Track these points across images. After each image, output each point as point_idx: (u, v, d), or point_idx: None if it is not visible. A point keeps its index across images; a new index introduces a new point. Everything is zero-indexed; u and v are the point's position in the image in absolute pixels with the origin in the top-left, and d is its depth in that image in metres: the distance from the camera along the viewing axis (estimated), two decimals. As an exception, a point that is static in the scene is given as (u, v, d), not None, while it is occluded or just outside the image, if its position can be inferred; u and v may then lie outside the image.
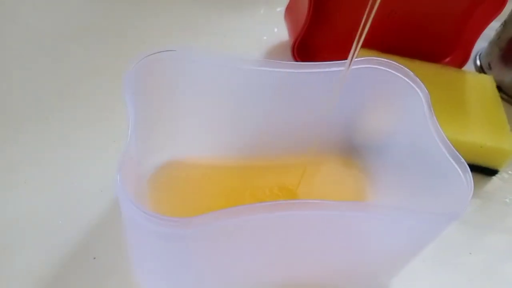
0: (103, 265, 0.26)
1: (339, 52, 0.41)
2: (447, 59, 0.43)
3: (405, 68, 0.28)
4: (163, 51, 0.25)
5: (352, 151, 0.33)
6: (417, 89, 0.28)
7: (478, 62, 0.46)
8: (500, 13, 0.38)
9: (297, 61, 0.41)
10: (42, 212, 0.28)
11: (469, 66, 0.44)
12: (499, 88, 0.39)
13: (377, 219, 0.22)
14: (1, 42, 0.40)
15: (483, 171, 0.36)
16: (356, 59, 0.28)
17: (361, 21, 0.39)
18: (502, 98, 0.41)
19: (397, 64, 0.28)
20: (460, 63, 0.43)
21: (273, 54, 0.43)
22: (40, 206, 0.28)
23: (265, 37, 0.44)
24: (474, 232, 0.33)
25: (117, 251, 0.26)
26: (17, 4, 0.45)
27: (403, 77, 0.28)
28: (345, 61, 0.28)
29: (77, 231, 0.27)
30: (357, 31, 0.40)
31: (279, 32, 0.44)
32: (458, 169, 0.24)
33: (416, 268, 0.29)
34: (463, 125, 0.35)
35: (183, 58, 0.26)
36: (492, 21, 0.39)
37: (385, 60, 0.28)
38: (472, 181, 0.23)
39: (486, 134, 0.34)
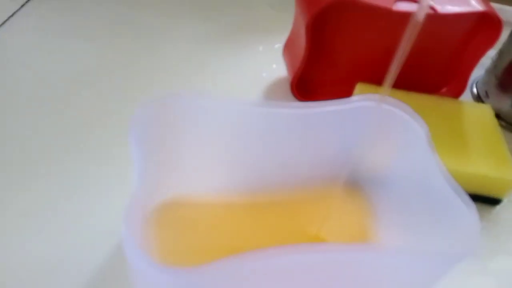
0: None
1: (338, 87, 0.42)
2: (444, 90, 0.44)
3: (404, 104, 0.28)
4: (168, 97, 0.25)
5: (355, 185, 0.33)
6: (416, 123, 0.28)
7: (475, 91, 0.47)
8: (495, 43, 0.39)
9: (296, 96, 0.42)
10: (49, 257, 0.28)
11: (466, 95, 0.45)
12: (498, 116, 0.40)
13: (383, 261, 0.22)
14: (6, 86, 0.41)
15: (486, 200, 0.36)
16: (355, 97, 0.29)
17: (358, 56, 0.41)
18: (501, 126, 0.42)
19: (395, 100, 0.28)
20: (457, 93, 0.43)
21: (272, 90, 0.44)
22: (47, 252, 0.29)
23: (264, 74, 0.45)
24: (478, 262, 0.33)
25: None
26: (25, 48, 0.46)
27: (401, 112, 0.28)
28: (345, 99, 0.29)
29: (84, 277, 0.27)
30: (353, 66, 0.41)
31: (278, 68, 0.45)
32: (463, 204, 0.24)
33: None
34: (463, 156, 0.35)
35: (187, 102, 0.26)
36: (487, 52, 0.40)
37: (383, 96, 0.29)
38: (478, 217, 0.23)
39: (487, 165, 0.34)
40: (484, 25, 0.39)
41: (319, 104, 0.28)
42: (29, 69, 0.43)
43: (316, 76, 0.41)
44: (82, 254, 0.29)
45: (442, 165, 0.26)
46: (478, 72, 0.46)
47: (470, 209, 0.24)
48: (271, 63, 0.46)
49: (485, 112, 0.39)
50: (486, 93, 0.45)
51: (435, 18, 0.38)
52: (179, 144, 0.28)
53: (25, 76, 0.42)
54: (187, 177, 0.30)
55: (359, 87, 0.39)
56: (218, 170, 0.31)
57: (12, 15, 0.50)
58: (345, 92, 0.38)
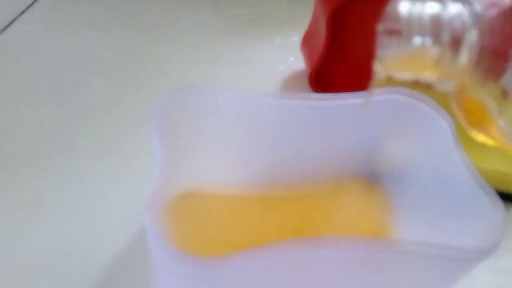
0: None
1: (357, 80, 0.41)
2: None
3: (428, 97, 0.28)
4: (187, 87, 0.25)
5: (374, 181, 0.33)
6: (440, 118, 0.27)
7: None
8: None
9: (314, 89, 0.41)
10: (65, 246, 0.28)
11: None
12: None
13: (401, 257, 0.21)
14: (22, 76, 0.41)
15: (508, 198, 0.35)
16: (377, 90, 0.28)
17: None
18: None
19: (418, 93, 0.28)
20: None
21: (289, 83, 0.43)
22: (62, 240, 0.28)
23: (281, 67, 0.45)
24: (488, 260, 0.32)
25: (142, 286, 0.26)
26: (38, 37, 0.46)
27: (425, 106, 0.28)
28: (367, 92, 0.28)
29: (100, 265, 0.27)
30: (373, 58, 0.40)
31: (295, 61, 0.44)
32: (489, 201, 0.23)
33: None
34: (486, 151, 0.34)
35: (206, 93, 0.26)
36: None
37: (406, 89, 0.28)
38: (504, 213, 0.22)
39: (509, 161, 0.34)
40: None
41: (338, 96, 0.28)
42: (43, 59, 0.43)
43: (335, 69, 0.41)
44: (99, 243, 0.28)
45: (467, 160, 0.25)
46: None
47: (496, 206, 0.23)
48: (289, 56, 0.46)
49: (509, 107, 0.38)
50: None
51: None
52: (197, 135, 0.28)
53: (38, 66, 0.42)
54: (203, 168, 0.30)
55: (380, 81, 0.38)
56: (235, 162, 0.30)
57: (28, 7, 0.50)
58: (364, 85, 0.37)
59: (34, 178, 0.32)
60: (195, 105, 0.26)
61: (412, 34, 0.23)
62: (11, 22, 0.47)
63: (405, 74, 0.24)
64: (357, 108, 0.27)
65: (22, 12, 0.49)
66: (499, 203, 0.23)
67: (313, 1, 0.41)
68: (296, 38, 0.45)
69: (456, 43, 0.22)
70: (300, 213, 0.32)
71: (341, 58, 0.40)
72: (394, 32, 0.23)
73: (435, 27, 0.22)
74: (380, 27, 0.23)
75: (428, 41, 0.22)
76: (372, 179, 0.33)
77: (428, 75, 0.24)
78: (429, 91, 0.29)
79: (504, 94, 0.23)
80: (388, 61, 0.24)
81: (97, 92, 0.40)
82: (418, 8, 0.23)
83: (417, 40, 0.22)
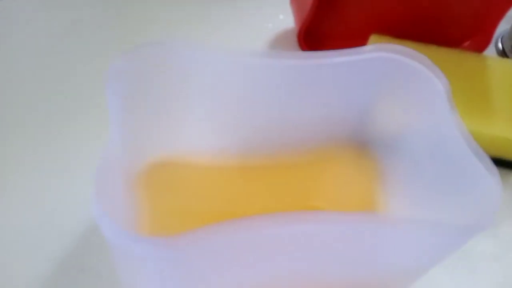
0: (91, 277, 0.24)
1: (348, 39, 0.38)
2: (467, 43, 0.40)
3: (422, 55, 0.25)
4: (150, 45, 0.22)
5: (364, 148, 0.30)
6: (435, 78, 0.25)
7: (500, 45, 0.43)
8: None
9: (304, 49, 0.38)
10: (25, 220, 0.26)
11: (490, 50, 0.41)
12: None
13: (392, 232, 0.19)
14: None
15: (508, 165, 0.33)
16: (367, 47, 0.26)
17: (373, 5, 0.37)
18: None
19: (412, 51, 0.25)
20: (481, 47, 0.40)
21: (278, 43, 0.40)
22: (23, 214, 0.27)
23: (270, 25, 0.42)
24: (500, 233, 0.30)
25: (106, 262, 0.24)
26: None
27: (419, 65, 0.25)
28: (356, 49, 0.25)
29: (63, 241, 0.25)
30: (367, 16, 0.37)
31: (285, 19, 0.41)
32: (484, 169, 0.21)
33: (434, 275, 0.26)
34: (486, 116, 0.32)
35: (173, 51, 0.23)
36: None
37: (399, 46, 0.25)
38: (500, 184, 0.20)
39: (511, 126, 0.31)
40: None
41: (326, 54, 0.25)
42: (10, 20, 0.40)
43: (326, 27, 0.38)
44: (61, 217, 0.27)
45: (463, 125, 0.23)
46: (504, 26, 0.42)
47: (492, 175, 0.21)
48: (278, 14, 0.43)
49: (510, 68, 0.36)
50: (512, 48, 0.41)
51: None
52: (166, 99, 0.25)
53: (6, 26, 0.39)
54: (175, 136, 0.28)
55: (373, 38, 0.35)
56: (209, 129, 0.28)
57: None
58: (355, 44, 0.34)
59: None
60: (162, 64, 0.24)
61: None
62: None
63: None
64: (346, 68, 0.25)
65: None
66: (495, 170, 0.21)
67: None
68: (286, -5, 0.42)
69: None
70: (284, 183, 0.30)
71: (332, 14, 0.37)
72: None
73: None
74: None
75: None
76: (361, 146, 0.30)
77: None
78: (425, 50, 0.27)
79: None
80: None
81: (69, 53, 0.37)
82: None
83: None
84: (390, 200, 0.29)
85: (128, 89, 0.22)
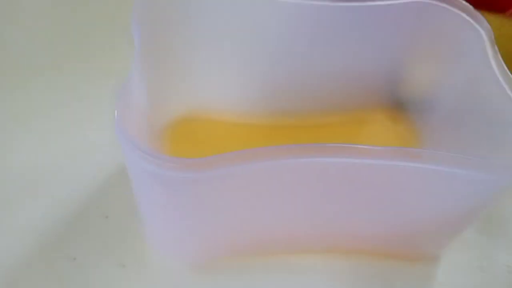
0: (115, 225, 0.24)
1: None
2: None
3: (463, 2, 0.24)
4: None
5: (398, 107, 0.29)
6: (477, 26, 0.23)
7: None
8: None
9: None
10: (49, 165, 0.26)
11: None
12: None
13: (430, 169, 0.18)
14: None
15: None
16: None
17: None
18: None
19: (454, -3, 0.24)
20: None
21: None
22: (47, 158, 0.26)
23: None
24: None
25: (131, 211, 0.24)
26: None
27: (460, 12, 0.24)
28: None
29: (87, 187, 0.25)
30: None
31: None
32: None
33: (470, 240, 0.25)
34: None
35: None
36: None
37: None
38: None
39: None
40: None
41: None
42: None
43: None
44: (86, 163, 0.26)
45: (508, 72, 0.21)
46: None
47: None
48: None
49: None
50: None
51: None
52: (191, 40, 0.24)
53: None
54: (204, 90, 0.27)
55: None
56: (240, 84, 0.27)
57: None
58: None
59: (17, 93, 0.30)
60: (191, 5, 0.23)
61: None
62: None
63: None
64: (380, 12, 0.23)
65: None
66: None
67: None
68: None
69: None
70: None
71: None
72: None
73: None
74: None
75: None
76: (395, 106, 0.29)
77: None
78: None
79: None
80: None
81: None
82: None
83: None
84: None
85: (153, 30, 0.22)
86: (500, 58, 0.22)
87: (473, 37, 0.23)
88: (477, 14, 0.23)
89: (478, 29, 0.23)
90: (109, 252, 0.23)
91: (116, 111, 0.16)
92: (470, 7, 0.23)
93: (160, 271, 0.23)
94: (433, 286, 0.24)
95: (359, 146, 0.17)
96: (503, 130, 0.22)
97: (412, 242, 0.24)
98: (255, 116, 0.28)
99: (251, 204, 0.19)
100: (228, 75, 0.27)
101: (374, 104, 0.29)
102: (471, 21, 0.23)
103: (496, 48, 0.23)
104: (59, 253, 0.23)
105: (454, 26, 0.24)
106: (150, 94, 0.23)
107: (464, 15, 0.23)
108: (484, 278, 0.24)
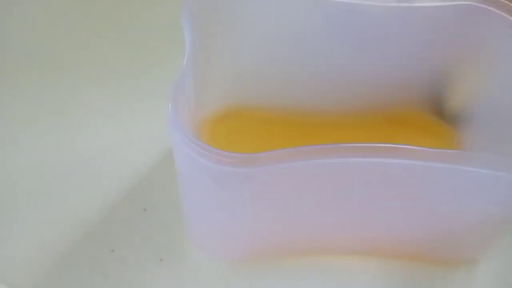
0: (154, 218, 0.24)
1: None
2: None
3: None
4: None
5: (439, 113, 0.28)
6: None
7: None
8: None
9: None
10: (90, 158, 0.27)
11: None
12: None
13: (470, 171, 0.18)
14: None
15: None
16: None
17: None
18: None
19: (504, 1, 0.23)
20: None
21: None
22: (89, 152, 0.27)
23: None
24: None
25: (170, 205, 0.24)
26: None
27: (508, 16, 0.23)
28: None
29: (127, 180, 0.25)
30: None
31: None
32: None
33: (510, 245, 0.25)
34: None
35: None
36: None
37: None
38: None
39: None
40: None
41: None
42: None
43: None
44: (127, 157, 0.27)
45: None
46: None
47: None
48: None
49: None
50: None
51: None
52: (236, 37, 0.24)
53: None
54: (242, 84, 0.27)
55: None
56: (279, 78, 0.27)
57: None
58: None
59: (63, 88, 0.30)
60: (236, 6, 0.23)
61: None
62: None
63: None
64: (428, 14, 0.23)
65: None
66: None
67: None
68: None
69: None
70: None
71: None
72: None
73: None
74: None
75: None
76: (436, 111, 0.29)
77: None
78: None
79: None
80: None
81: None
82: None
83: None
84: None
85: (201, 26, 0.22)
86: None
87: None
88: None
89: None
90: (148, 245, 0.23)
91: (170, 105, 0.16)
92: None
93: (198, 267, 0.23)
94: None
95: (403, 146, 0.17)
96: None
97: (451, 246, 0.23)
98: (292, 114, 0.28)
99: (295, 202, 0.19)
100: (267, 73, 0.27)
101: (415, 108, 0.29)
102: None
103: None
104: (98, 245, 0.23)
105: (503, 32, 0.23)
106: (195, 90, 0.23)
107: (512, 20, 0.23)
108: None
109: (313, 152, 0.16)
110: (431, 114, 0.29)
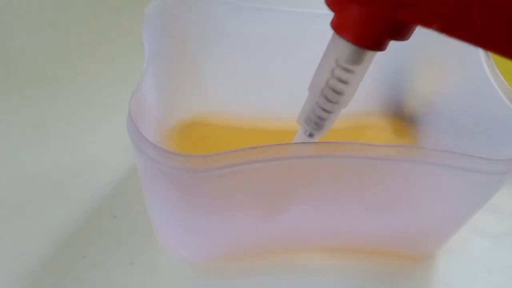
0: (123, 224, 0.25)
1: None
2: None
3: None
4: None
5: (400, 113, 0.30)
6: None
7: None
8: None
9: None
10: (62, 169, 0.27)
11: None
12: None
13: (430, 166, 0.19)
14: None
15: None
16: None
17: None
18: None
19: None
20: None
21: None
22: (60, 163, 0.28)
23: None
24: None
25: (139, 211, 0.25)
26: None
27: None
28: None
29: (97, 189, 0.26)
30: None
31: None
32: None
33: (466, 239, 0.26)
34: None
35: (206, 5, 0.24)
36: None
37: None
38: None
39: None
40: None
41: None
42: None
43: None
44: (97, 166, 0.27)
45: (503, 81, 0.22)
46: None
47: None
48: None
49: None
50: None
51: None
52: (198, 46, 0.25)
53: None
54: (207, 92, 0.28)
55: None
56: (240, 85, 0.28)
57: None
58: None
59: (34, 102, 0.31)
60: (197, 12, 0.24)
61: None
62: None
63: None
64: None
65: None
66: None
67: None
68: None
69: None
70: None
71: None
72: None
73: None
74: None
75: None
76: (397, 112, 0.30)
77: None
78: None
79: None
80: None
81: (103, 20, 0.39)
82: None
83: None
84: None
85: (163, 36, 0.23)
86: (493, 63, 0.23)
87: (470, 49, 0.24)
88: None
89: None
90: (119, 251, 0.24)
91: (128, 109, 0.17)
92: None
93: (168, 268, 0.23)
94: (432, 284, 0.25)
95: (365, 144, 0.18)
96: (501, 135, 0.22)
97: (412, 241, 0.24)
98: (261, 120, 0.29)
99: (255, 201, 0.19)
100: (233, 82, 0.28)
101: (377, 111, 0.30)
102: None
103: (491, 59, 0.23)
104: (71, 251, 0.24)
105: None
106: (159, 98, 0.24)
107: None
108: (488, 277, 0.25)
109: (269, 151, 0.16)
110: (392, 116, 0.30)
